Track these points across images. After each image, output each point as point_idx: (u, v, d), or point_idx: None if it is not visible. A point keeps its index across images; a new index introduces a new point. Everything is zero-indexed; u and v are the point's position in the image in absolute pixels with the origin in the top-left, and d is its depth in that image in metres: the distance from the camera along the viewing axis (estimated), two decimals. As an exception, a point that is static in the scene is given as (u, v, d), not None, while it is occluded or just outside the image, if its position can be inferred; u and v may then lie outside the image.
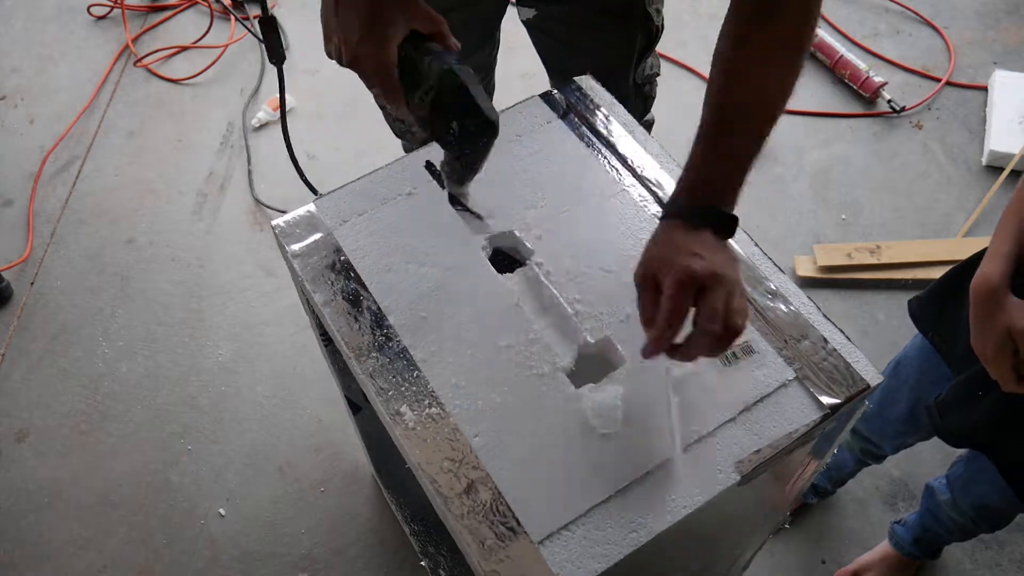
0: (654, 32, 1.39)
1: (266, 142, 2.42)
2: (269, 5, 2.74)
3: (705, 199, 0.86)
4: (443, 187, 1.08)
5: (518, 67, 2.12)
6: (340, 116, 2.48)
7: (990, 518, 1.40)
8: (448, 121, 0.89)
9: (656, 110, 2.10)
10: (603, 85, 1.21)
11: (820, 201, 2.29)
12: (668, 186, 1.09)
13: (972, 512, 1.40)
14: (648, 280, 0.83)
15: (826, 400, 0.91)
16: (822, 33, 2.55)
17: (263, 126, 2.45)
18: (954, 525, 1.46)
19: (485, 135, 0.89)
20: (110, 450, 1.91)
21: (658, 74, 1.51)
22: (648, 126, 1.58)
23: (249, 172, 2.34)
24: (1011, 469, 1.19)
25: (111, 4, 2.72)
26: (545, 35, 1.43)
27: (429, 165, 1.10)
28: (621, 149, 1.13)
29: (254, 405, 1.97)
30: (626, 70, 1.43)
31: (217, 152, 2.41)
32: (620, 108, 1.18)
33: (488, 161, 1.10)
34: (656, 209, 1.07)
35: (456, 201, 1.07)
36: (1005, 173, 2.27)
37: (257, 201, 2.28)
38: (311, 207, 1.09)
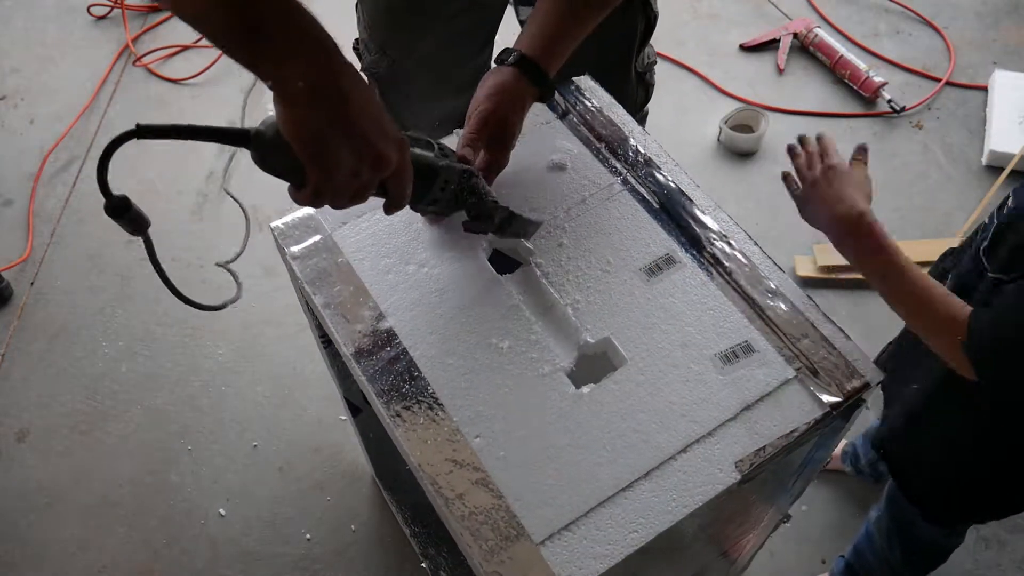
0: (652, 18, 1.41)
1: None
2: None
3: (547, 65, 1.02)
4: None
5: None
6: (340, 116, 2.48)
7: (905, 538, 1.39)
8: (463, 206, 0.97)
9: (656, 109, 2.10)
10: (606, 77, 1.21)
11: (820, 201, 2.29)
12: (668, 185, 1.09)
13: (889, 519, 1.40)
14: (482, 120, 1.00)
15: (827, 398, 0.91)
16: (822, 33, 2.55)
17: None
18: (880, 551, 1.45)
19: (502, 217, 0.99)
20: (110, 450, 1.91)
21: (656, 62, 1.52)
22: (643, 119, 1.59)
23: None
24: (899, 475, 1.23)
25: (111, 4, 2.72)
26: None
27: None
28: (620, 149, 1.13)
29: (254, 405, 1.97)
30: (628, 60, 1.43)
31: (217, 152, 2.41)
32: (619, 108, 1.18)
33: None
34: (656, 206, 1.07)
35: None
36: (1005, 173, 2.27)
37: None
38: (310, 208, 1.08)
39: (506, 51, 1.05)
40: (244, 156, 2.39)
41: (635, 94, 1.50)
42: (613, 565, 0.82)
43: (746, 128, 2.38)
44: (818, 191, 1.04)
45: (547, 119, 1.16)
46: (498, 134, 1.02)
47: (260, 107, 2.50)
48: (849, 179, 1.02)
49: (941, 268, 1.17)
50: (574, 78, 1.21)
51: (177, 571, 1.77)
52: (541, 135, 1.14)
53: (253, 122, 2.47)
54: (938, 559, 1.41)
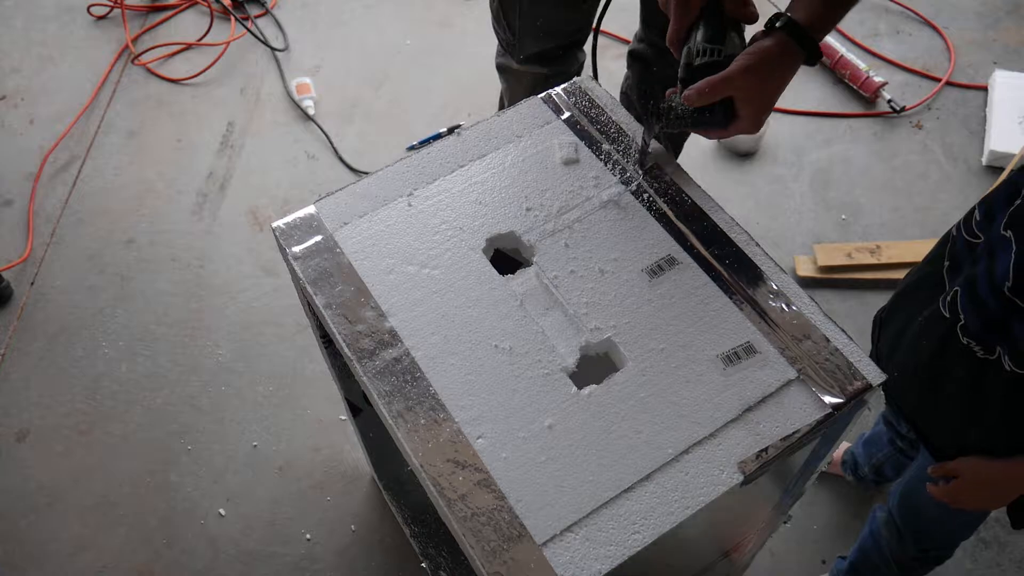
0: None
1: (264, 143, 2.42)
2: (269, 5, 2.75)
3: (814, 31, 1.02)
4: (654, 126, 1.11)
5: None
6: (340, 116, 2.48)
7: (913, 521, 1.39)
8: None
9: (656, 110, 2.09)
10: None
11: (820, 201, 2.29)
12: (670, 185, 1.09)
13: (899, 516, 1.40)
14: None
15: (828, 399, 0.91)
16: (822, 33, 2.55)
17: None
18: (888, 549, 1.46)
19: None
20: (110, 450, 1.91)
21: None
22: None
23: (335, 150, 2.34)
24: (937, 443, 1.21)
25: (111, 4, 2.71)
26: None
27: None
28: (622, 148, 1.13)
29: (254, 405, 1.97)
30: None
31: (217, 152, 2.41)
32: (620, 108, 1.18)
33: (487, 161, 1.11)
34: (658, 207, 1.07)
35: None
36: (1005, 173, 2.27)
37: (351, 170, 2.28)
38: (311, 209, 1.08)
39: (776, 15, 1.05)
40: (244, 157, 2.39)
41: None
42: (615, 566, 0.82)
43: (746, 128, 2.38)
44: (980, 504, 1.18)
45: (548, 119, 1.16)
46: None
47: (259, 107, 2.50)
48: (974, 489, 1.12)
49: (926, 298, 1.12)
50: (575, 79, 1.21)
51: (177, 571, 1.77)
52: (543, 135, 1.14)
53: (251, 124, 2.46)
54: (950, 552, 1.42)
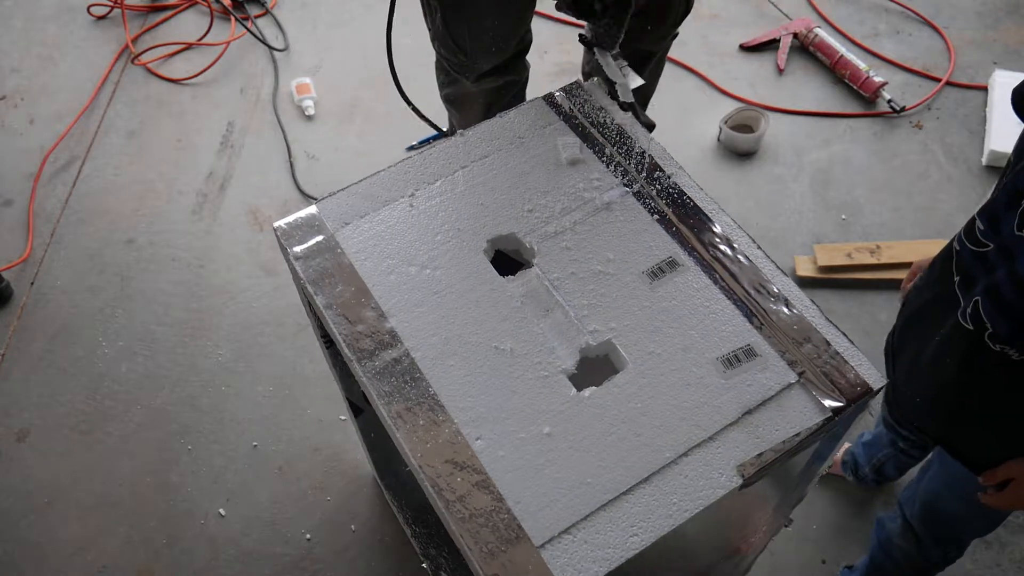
0: None
1: (264, 143, 2.42)
2: (269, 5, 2.75)
3: None
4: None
5: (543, 68, 2.12)
6: (340, 116, 2.48)
7: (939, 531, 1.38)
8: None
9: (656, 109, 2.09)
10: None
11: (820, 201, 2.29)
12: (671, 188, 1.09)
13: (921, 526, 1.39)
14: None
15: (829, 403, 0.91)
16: (822, 33, 2.55)
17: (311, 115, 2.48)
18: (905, 558, 1.45)
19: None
20: (110, 450, 1.91)
21: None
22: (650, 129, 1.61)
23: (290, 159, 2.34)
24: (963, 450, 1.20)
25: (111, 4, 2.71)
26: None
27: (581, 37, 1.25)
28: (623, 151, 1.13)
29: (254, 405, 1.97)
30: None
31: (217, 152, 2.41)
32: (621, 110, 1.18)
33: (489, 162, 1.11)
34: (659, 209, 1.07)
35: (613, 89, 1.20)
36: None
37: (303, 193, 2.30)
38: (312, 209, 1.08)
39: None
40: (244, 157, 2.39)
41: (678, 7, 1.62)
42: (613, 568, 0.82)
43: (746, 128, 2.38)
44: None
45: (550, 121, 1.16)
46: None
47: (259, 107, 2.49)
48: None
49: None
50: (577, 79, 1.21)
51: (177, 571, 1.77)
52: (545, 137, 1.14)
53: (251, 124, 2.46)
54: (962, 551, 1.42)
